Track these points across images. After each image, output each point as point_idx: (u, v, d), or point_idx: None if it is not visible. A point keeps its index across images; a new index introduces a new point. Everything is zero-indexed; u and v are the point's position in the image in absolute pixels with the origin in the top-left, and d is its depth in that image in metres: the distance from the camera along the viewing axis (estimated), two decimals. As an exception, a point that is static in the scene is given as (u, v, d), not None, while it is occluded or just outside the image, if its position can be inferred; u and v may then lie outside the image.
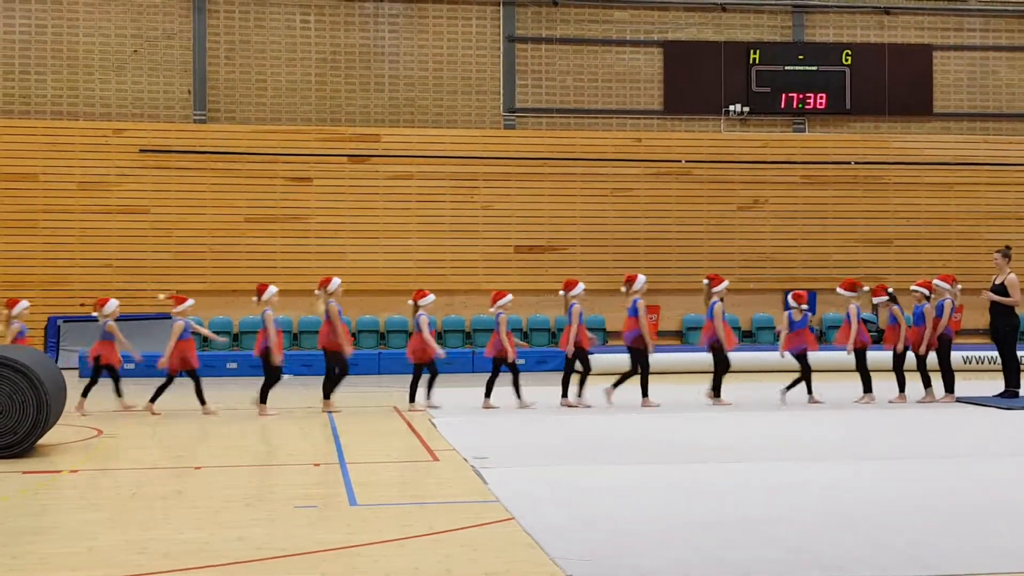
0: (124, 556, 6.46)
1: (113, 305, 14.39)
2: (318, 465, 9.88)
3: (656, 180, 23.78)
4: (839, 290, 14.98)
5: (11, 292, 20.99)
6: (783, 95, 24.38)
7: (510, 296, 14.43)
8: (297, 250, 22.56)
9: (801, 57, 24.52)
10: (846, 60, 24.60)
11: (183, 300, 14.39)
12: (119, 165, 22.18)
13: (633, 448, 10.77)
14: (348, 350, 13.99)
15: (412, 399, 14.07)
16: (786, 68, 24.42)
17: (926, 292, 14.73)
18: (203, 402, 13.88)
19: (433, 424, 12.53)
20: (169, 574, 6.09)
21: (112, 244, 22.03)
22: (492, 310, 14.36)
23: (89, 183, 22.06)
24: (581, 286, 14.54)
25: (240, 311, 21.85)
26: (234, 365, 18.82)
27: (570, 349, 14.05)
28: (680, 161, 23.81)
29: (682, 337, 23.06)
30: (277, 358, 13.74)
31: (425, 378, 14.15)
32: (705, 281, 14.82)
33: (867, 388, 14.58)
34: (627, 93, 24.27)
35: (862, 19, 25.09)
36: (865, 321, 15.26)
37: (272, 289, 14.13)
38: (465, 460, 9.87)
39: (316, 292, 14.19)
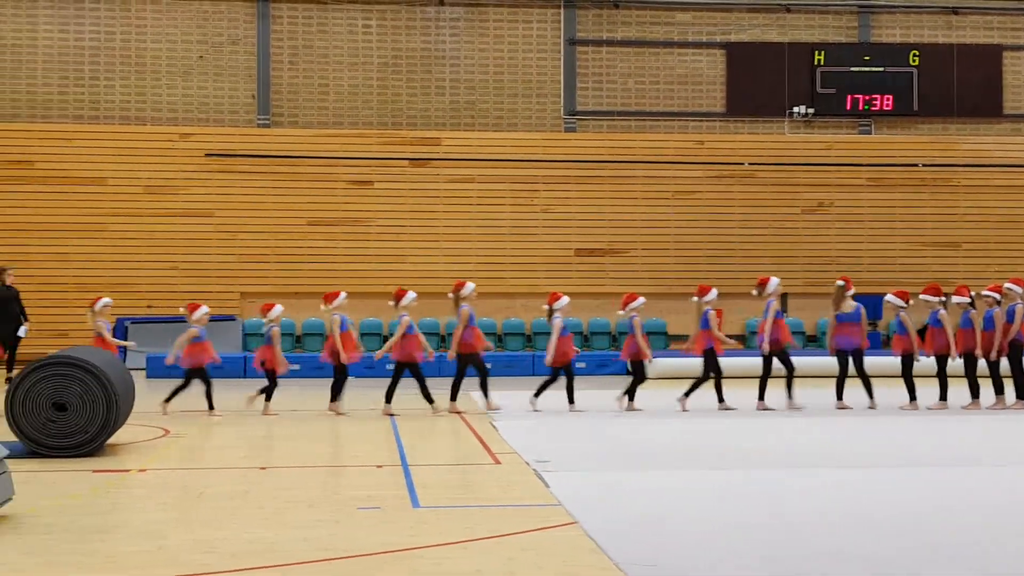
0: (192, 555, 6.53)
1: (278, 310, 14.42)
2: (381, 467, 9.92)
3: (718, 183, 23.60)
4: (923, 296, 14.67)
5: (82, 294, 21.33)
6: (848, 97, 24.08)
7: (642, 299, 14.39)
8: (358, 253, 22.71)
9: (867, 58, 24.20)
10: (913, 61, 24.24)
11: (336, 295, 14.29)
12: (185, 169, 22.47)
13: (697, 453, 10.69)
14: (481, 349, 14.06)
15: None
16: (852, 69, 24.12)
17: (997, 296, 14.46)
18: (334, 399, 13.96)
19: (494, 427, 12.53)
20: (236, 573, 6.14)
21: (178, 247, 22.32)
22: (622, 313, 14.37)
23: (156, 187, 22.38)
24: (714, 292, 14.46)
25: (303, 313, 22.01)
26: (296, 367, 18.95)
27: (699, 351, 14.08)
28: (743, 164, 23.61)
29: (745, 341, 22.84)
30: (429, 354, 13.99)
31: (547, 380, 14.23)
32: (840, 283, 14.58)
33: (943, 395, 14.36)
34: (689, 95, 24.12)
35: (929, 19, 24.70)
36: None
37: (411, 295, 14.12)
38: (527, 463, 9.85)
39: (450, 296, 14.25)
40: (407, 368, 13.84)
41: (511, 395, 15.51)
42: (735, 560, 6.37)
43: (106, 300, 14.74)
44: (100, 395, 10.22)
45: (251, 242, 22.51)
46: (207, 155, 22.51)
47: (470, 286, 14.22)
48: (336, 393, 14.06)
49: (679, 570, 6.18)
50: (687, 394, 14.17)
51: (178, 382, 13.98)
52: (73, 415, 10.20)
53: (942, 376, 14.38)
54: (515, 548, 6.70)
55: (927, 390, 14.48)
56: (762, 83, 23.96)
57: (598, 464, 9.96)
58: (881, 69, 24.18)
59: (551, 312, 14.25)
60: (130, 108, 22.89)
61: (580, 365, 19.36)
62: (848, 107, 24.12)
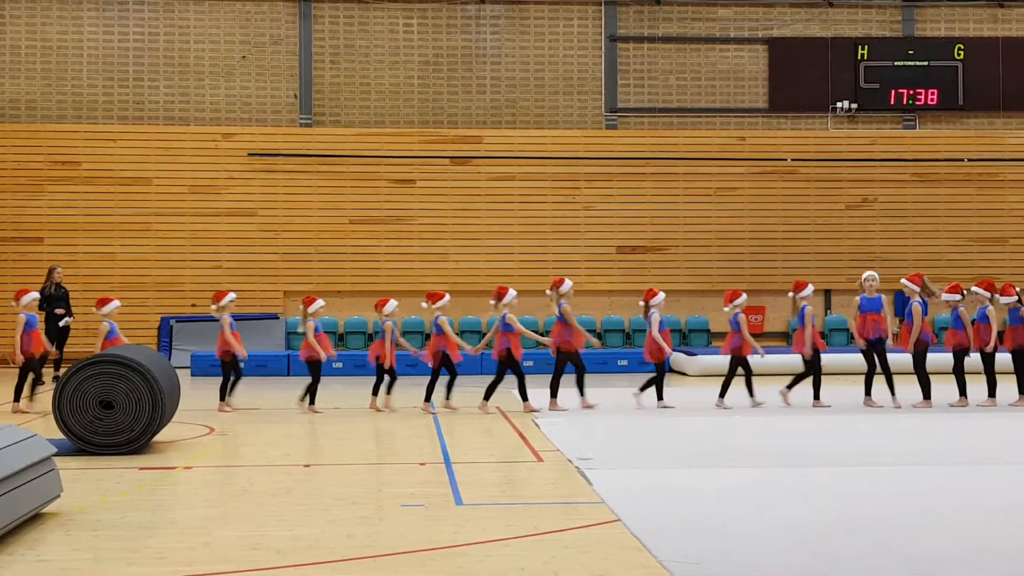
0: (238, 552, 6.59)
1: (392, 306, 14.28)
2: (424, 464, 9.96)
3: (761, 179, 23.46)
4: (975, 289, 14.51)
5: (129, 293, 21.58)
6: (892, 91, 23.83)
7: (744, 296, 14.46)
8: (400, 251, 22.78)
9: (911, 52, 23.95)
10: (958, 55, 23.96)
11: (441, 295, 14.20)
12: (228, 169, 22.65)
13: (738, 451, 10.64)
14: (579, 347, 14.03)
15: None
16: (895, 64, 23.87)
17: (1043, 292, 14.28)
18: (437, 396, 14.00)
19: (536, 424, 12.54)
20: (282, 570, 6.19)
21: (222, 246, 22.51)
22: (727, 310, 14.39)
23: (200, 186, 22.57)
24: (810, 287, 14.48)
25: (345, 312, 22.14)
26: (339, 364, 19.05)
27: (808, 351, 14.03)
28: (786, 160, 23.45)
29: (788, 339, 22.68)
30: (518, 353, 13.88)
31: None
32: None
33: (991, 392, 14.20)
34: (731, 91, 23.98)
35: (975, 12, 24.40)
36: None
37: (513, 292, 14.12)
38: (569, 461, 9.86)
39: (548, 293, 14.22)
40: (510, 366, 13.84)
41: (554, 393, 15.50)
42: (780, 559, 6.34)
43: (231, 295, 14.65)
44: (146, 393, 10.34)
45: (294, 241, 22.66)
46: (250, 154, 22.67)
47: (568, 283, 14.15)
48: (449, 390, 14.05)
49: (723, 568, 6.15)
50: (816, 396, 14.17)
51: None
52: (119, 413, 10.33)
53: (989, 373, 14.21)
54: (558, 546, 6.71)
55: (974, 387, 14.35)
56: (805, 78, 23.77)
57: (641, 462, 9.94)
58: (925, 63, 23.91)
59: (647, 308, 14.24)
60: (174, 108, 23.09)
61: (622, 363, 19.35)
62: (892, 102, 23.88)
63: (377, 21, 23.49)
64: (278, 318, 22.02)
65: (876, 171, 23.63)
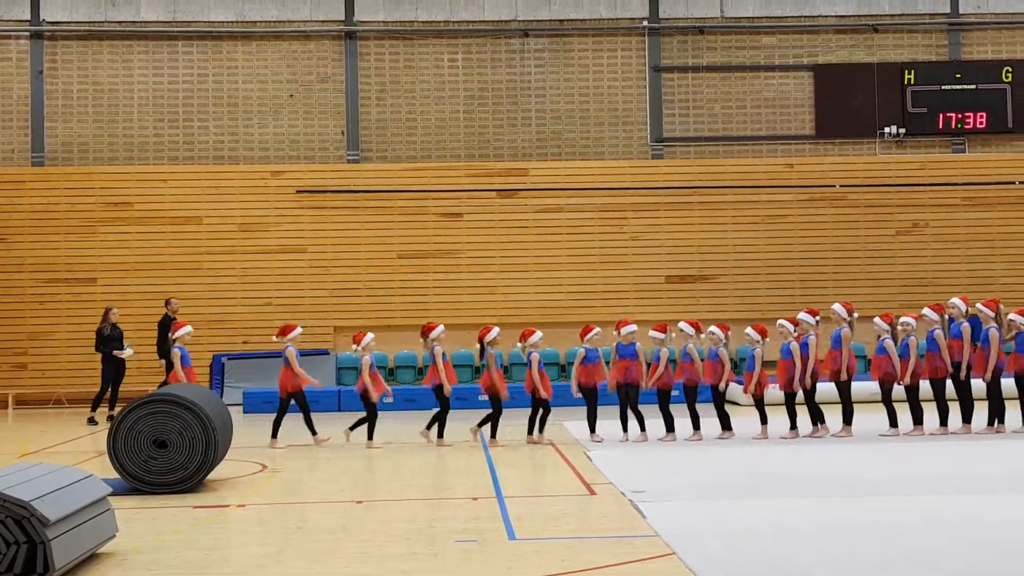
0: (292, 590, 6.59)
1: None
2: (476, 499, 9.93)
3: (809, 206, 23.29)
4: (1012, 316, 14.38)
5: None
6: (940, 115, 23.61)
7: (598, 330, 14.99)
8: (449, 285, 22.83)
9: (958, 76, 23.73)
10: (1006, 77, 23.73)
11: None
12: (277, 206, 22.86)
13: (793, 481, 10.51)
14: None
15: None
16: (943, 87, 23.66)
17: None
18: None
19: (588, 457, 12.48)
20: (336, 608, 6.18)
21: (271, 283, 22.68)
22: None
23: (249, 224, 22.79)
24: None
25: (396, 346, 22.17)
26: (390, 400, 19.06)
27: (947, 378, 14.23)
28: (834, 186, 23.28)
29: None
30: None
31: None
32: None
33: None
34: (777, 119, 23.88)
35: (1022, 34, 24.15)
36: None
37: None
38: (622, 494, 9.79)
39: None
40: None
41: (602, 424, 15.44)
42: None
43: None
44: (199, 432, 10.41)
45: (343, 276, 22.79)
46: (298, 192, 22.87)
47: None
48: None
49: (782, 603, 6.07)
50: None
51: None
52: (173, 452, 10.41)
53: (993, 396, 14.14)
54: (613, 581, 6.65)
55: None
56: (851, 104, 23.62)
57: (695, 493, 9.85)
58: (973, 86, 23.69)
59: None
60: (223, 148, 23.37)
61: (675, 393, 19.15)
62: (940, 126, 23.66)
63: (422, 57, 23.67)
64: (328, 354, 22.11)
65: (926, 196, 23.39)
